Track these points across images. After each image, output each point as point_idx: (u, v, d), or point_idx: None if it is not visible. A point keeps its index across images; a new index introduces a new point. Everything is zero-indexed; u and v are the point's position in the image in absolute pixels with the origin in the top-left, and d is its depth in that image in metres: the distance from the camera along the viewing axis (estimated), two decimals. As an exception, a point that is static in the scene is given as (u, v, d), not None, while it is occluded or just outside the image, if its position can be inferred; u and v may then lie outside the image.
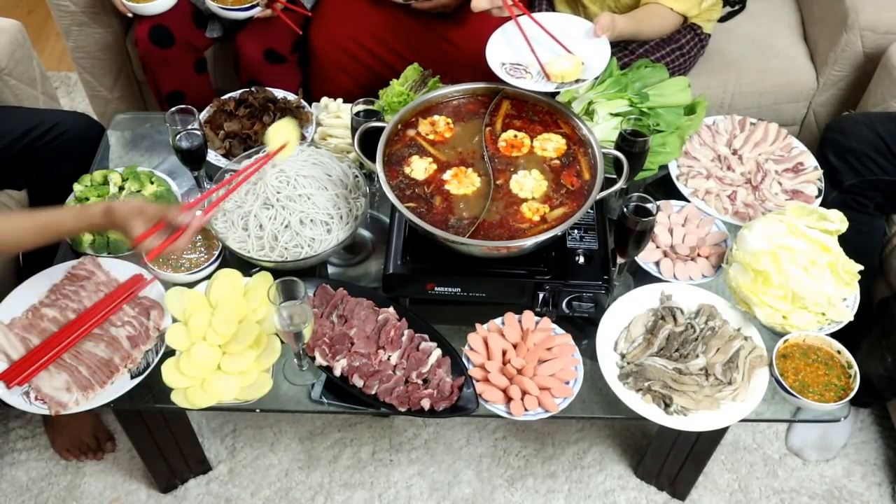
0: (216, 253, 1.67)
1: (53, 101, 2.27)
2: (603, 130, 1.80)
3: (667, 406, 1.50)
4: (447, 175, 1.58)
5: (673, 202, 1.80)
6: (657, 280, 1.68)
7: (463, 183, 1.56)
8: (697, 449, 1.81)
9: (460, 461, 2.06)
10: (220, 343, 1.55)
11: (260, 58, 2.23)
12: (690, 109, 1.91)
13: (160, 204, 1.46)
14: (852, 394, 1.49)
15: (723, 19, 2.43)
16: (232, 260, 1.69)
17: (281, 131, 1.59)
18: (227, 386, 1.50)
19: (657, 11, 2.03)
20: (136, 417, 1.74)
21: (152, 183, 1.79)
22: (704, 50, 2.29)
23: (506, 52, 1.75)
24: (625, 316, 1.62)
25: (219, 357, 1.54)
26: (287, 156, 1.61)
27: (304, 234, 1.63)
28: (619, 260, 1.60)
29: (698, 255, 1.70)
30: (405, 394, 1.49)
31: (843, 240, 1.60)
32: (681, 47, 2.19)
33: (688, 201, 1.81)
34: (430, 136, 1.64)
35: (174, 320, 1.59)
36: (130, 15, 2.16)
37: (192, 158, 1.71)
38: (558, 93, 1.94)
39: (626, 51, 2.17)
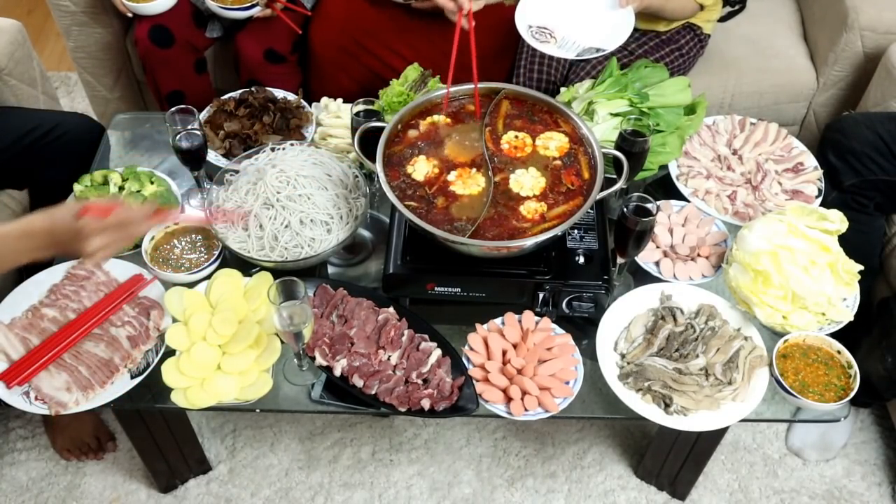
0: (216, 253, 1.67)
1: (53, 101, 2.27)
2: (603, 130, 1.80)
3: (667, 406, 1.50)
4: (451, 176, 1.57)
5: (673, 202, 1.80)
6: (657, 280, 1.68)
7: (467, 184, 1.56)
8: (697, 449, 1.81)
9: (460, 461, 2.06)
10: (220, 343, 1.55)
11: (260, 58, 2.23)
12: (690, 109, 1.91)
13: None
14: (852, 394, 1.49)
15: (723, 19, 2.43)
16: (232, 260, 1.68)
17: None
18: (227, 386, 1.50)
19: None
20: (136, 417, 1.74)
21: (152, 183, 1.79)
22: (704, 50, 2.29)
23: (534, 14, 1.81)
24: (625, 316, 1.62)
25: (219, 357, 1.54)
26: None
27: (304, 234, 1.63)
28: (619, 260, 1.60)
29: (698, 255, 1.70)
30: (405, 394, 1.49)
31: (843, 240, 1.60)
32: (680, 48, 2.19)
33: (688, 201, 1.81)
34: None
35: (174, 320, 1.59)
36: (130, 15, 2.16)
37: (192, 158, 1.71)
38: (563, 88, 1.95)
39: (625, 51, 2.17)
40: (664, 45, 2.18)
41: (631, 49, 2.17)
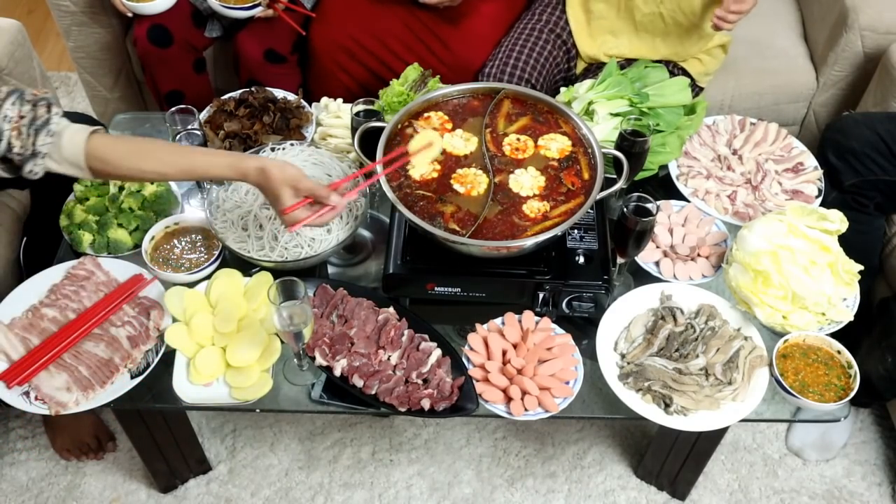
0: (216, 253, 1.67)
1: (53, 101, 2.27)
2: (603, 130, 1.80)
3: (667, 406, 1.50)
4: (452, 176, 1.57)
5: (673, 202, 1.80)
6: (657, 280, 1.68)
7: (467, 183, 1.56)
8: (697, 449, 1.81)
9: (460, 461, 2.06)
10: (223, 344, 1.54)
11: (260, 58, 2.23)
12: (690, 109, 1.91)
13: (312, 181, 1.43)
14: (852, 394, 1.49)
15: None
16: (232, 260, 1.68)
17: (424, 137, 1.54)
18: (238, 382, 1.51)
19: None
20: (136, 417, 1.74)
21: (152, 183, 1.79)
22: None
23: None
24: (625, 316, 1.62)
25: (224, 356, 1.54)
26: (426, 158, 1.54)
27: (304, 234, 1.63)
28: (619, 260, 1.61)
29: (698, 255, 1.70)
30: (405, 394, 1.49)
31: (843, 240, 1.60)
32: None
33: (688, 201, 1.81)
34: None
35: (174, 320, 1.59)
36: (130, 14, 2.16)
37: (192, 158, 1.71)
38: (563, 88, 1.94)
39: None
40: None
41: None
